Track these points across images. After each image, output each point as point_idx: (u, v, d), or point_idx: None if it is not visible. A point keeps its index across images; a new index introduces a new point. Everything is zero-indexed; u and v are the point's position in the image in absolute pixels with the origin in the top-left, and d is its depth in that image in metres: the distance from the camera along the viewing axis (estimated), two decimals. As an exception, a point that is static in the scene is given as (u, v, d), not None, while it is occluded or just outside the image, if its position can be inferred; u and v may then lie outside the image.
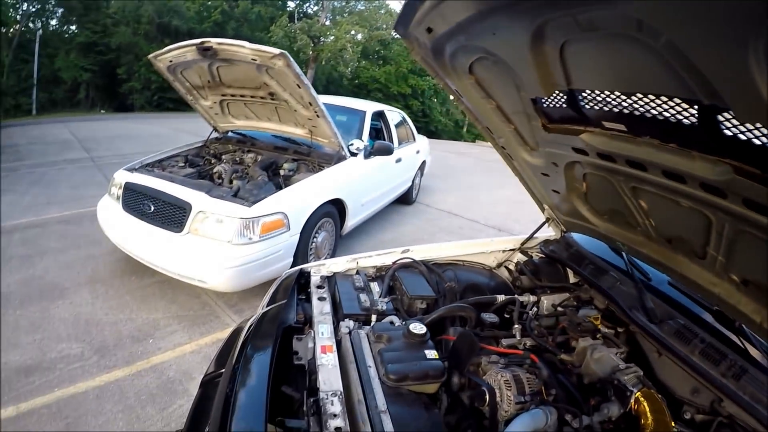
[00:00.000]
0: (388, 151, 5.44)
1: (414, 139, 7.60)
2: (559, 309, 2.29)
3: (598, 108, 1.53)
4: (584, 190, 2.17)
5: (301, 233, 4.09)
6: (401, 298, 2.16)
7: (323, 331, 1.73)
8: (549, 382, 1.69)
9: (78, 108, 20.85)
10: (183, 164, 4.79)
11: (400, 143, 6.81)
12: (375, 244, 5.73)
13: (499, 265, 2.83)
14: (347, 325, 1.82)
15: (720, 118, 1.15)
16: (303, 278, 2.22)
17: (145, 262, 3.89)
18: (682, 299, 2.10)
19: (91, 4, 20.66)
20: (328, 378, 1.47)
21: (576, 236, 2.76)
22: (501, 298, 2.28)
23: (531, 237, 2.84)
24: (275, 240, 3.79)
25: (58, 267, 4.43)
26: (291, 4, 25.89)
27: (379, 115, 6.55)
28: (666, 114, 1.31)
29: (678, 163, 1.38)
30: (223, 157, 5.04)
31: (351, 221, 5.16)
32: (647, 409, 1.55)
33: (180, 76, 4.81)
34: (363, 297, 2.04)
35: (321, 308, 1.90)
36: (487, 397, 1.58)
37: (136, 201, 3.98)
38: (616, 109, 1.47)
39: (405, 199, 7.59)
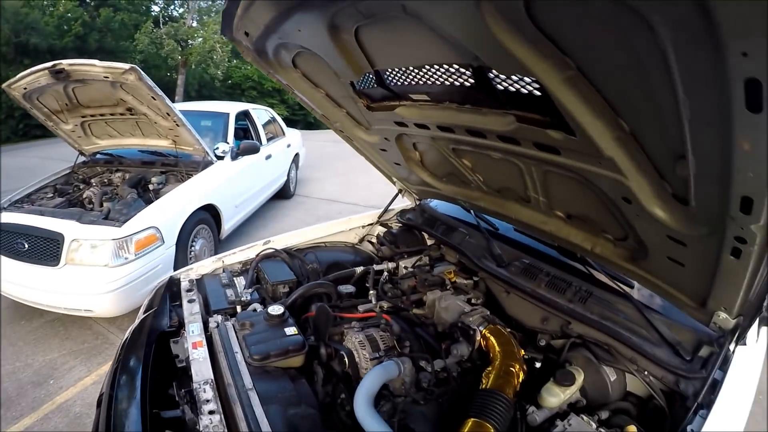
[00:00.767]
0: (254, 150, 5.35)
1: (284, 134, 7.47)
2: (410, 269, 2.43)
3: (402, 83, 1.64)
4: (418, 158, 2.30)
5: (177, 244, 4.01)
6: (265, 286, 2.20)
7: (193, 329, 1.78)
8: (403, 336, 1.80)
9: None
10: (52, 195, 4.52)
11: (269, 140, 6.69)
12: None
13: (362, 240, 2.93)
14: (215, 320, 1.86)
15: (490, 75, 1.28)
16: (175, 286, 2.20)
17: (30, 303, 3.69)
18: (529, 241, 2.30)
19: None
20: (200, 369, 1.55)
21: (435, 202, 2.94)
22: (359, 270, 2.39)
23: (386, 210, 2.97)
24: (152, 255, 3.71)
25: None
26: (155, 8, 23.43)
27: (244, 115, 6.38)
28: (451, 79, 1.43)
29: (475, 121, 1.52)
30: (92, 180, 4.80)
31: (227, 224, 5.06)
32: (495, 342, 1.70)
33: (37, 103, 4.50)
34: (229, 292, 2.09)
35: (191, 309, 1.93)
36: (346, 359, 1.70)
37: (9, 241, 3.69)
38: (416, 82, 1.58)
39: (283, 193, 7.42)
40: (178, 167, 4.77)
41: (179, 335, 1.85)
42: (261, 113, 6.99)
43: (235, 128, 5.80)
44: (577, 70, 0.99)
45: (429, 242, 2.74)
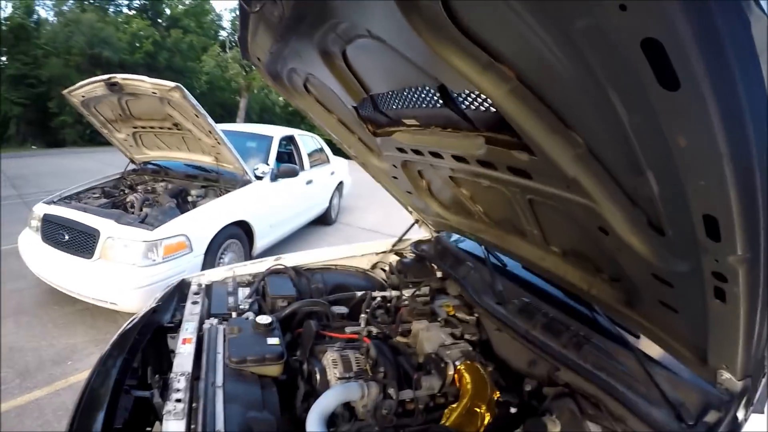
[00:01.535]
0: (293, 174, 5.49)
1: (329, 161, 7.55)
2: (405, 298, 2.34)
3: (395, 108, 1.63)
4: (426, 186, 2.25)
5: (205, 254, 4.13)
6: (267, 299, 2.22)
7: (187, 327, 1.85)
8: (380, 361, 1.71)
9: (9, 143, 19.14)
10: (99, 195, 4.84)
11: (312, 165, 6.75)
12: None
13: (374, 267, 2.87)
14: (211, 322, 1.89)
15: (453, 95, 1.24)
16: (186, 288, 2.27)
17: (63, 289, 3.90)
18: (536, 280, 2.14)
19: (22, 33, 19.38)
20: (181, 363, 1.60)
21: (457, 237, 2.83)
22: (359, 293, 2.34)
23: (400, 239, 2.91)
24: (179, 261, 3.85)
25: None
26: (223, 33, 25.41)
27: (289, 140, 6.52)
28: (425, 102, 1.40)
29: (456, 146, 1.45)
30: (138, 187, 5.09)
31: (260, 242, 5.11)
32: (468, 380, 1.57)
33: (94, 111, 4.86)
34: (231, 299, 2.13)
35: (191, 310, 2.00)
36: (318, 375, 1.67)
37: (53, 231, 4.00)
38: (406, 107, 1.55)
39: (324, 219, 7.42)
40: (218, 183, 4.98)
41: (177, 332, 1.89)
42: (307, 140, 7.09)
43: (279, 152, 5.94)
44: (518, 81, 0.92)
45: (439, 274, 2.65)
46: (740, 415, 1.19)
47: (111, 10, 21.86)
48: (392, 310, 2.28)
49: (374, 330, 2.02)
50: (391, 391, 1.56)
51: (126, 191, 5.00)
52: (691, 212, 0.83)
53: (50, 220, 4.06)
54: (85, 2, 21.19)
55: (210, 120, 4.24)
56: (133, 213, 4.31)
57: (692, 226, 0.85)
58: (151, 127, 5.00)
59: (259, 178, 5.07)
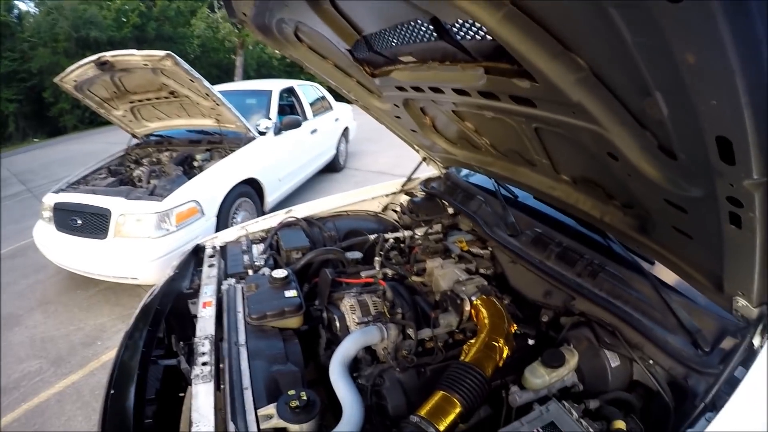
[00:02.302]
0: (296, 124, 5.42)
1: (332, 108, 7.42)
2: (419, 237, 2.32)
3: (390, 47, 1.54)
4: (430, 123, 2.18)
5: (218, 216, 4.18)
6: (281, 252, 2.23)
7: (206, 290, 1.87)
8: (397, 303, 1.73)
9: (10, 141, 19.28)
10: (105, 175, 4.85)
11: (315, 114, 6.66)
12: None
13: (385, 209, 2.86)
14: (228, 282, 1.92)
15: (447, 26, 1.15)
16: (201, 252, 2.29)
17: (83, 273, 4.01)
18: (548, 210, 2.09)
19: (5, 30, 18.86)
20: (204, 326, 1.61)
21: (467, 171, 2.78)
22: (371, 237, 2.33)
23: (410, 179, 2.86)
24: (192, 227, 3.89)
25: (10, 298, 4.51)
26: None
27: (289, 92, 6.41)
28: (420, 36, 1.31)
29: (455, 78, 1.38)
30: (143, 160, 5.10)
31: (271, 197, 5.15)
32: (484, 314, 1.57)
33: (88, 93, 4.81)
34: (246, 257, 2.14)
35: (208, 273, 2.02)
36: (337, 322, 1.69)
37: (65, 219, 4.05)
38: (401, 44, 1.47)
39: (333, 166, 7.41)
40: (222, 144, 4.95)
41: (197, 297, 1.92)
42: (307, 89, 6.96)
43: (281, 105, 5.85)
44: (511, 4, 0.83)
45: (450, 211, 2.63)
46: (756, 341, 1.17)
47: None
48: (406, 250, 2.27)
49: (389, 272, 2.03)
50: (410, 331, 1.58)
51: (132, 166, 5.03)
52: (703, 134, 0.77)
53: (61, 208, 4.12)
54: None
55: (206, 83, 4.21)
56: (141, 187, 4.33)
57: (705, 149, 0.79)
58: (148, 99, 4.96)
59: (262, 133, 5.05)
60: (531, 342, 1.58)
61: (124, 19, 21.28)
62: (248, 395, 1.33)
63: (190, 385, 1.40)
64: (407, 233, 2.38)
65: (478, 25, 1.07)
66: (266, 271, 1.97)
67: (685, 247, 1.23)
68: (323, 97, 7.40)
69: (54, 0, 20.37)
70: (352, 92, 2.21)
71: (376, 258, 2.10)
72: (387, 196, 2.86)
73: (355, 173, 7.79)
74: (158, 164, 4.88)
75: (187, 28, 21.80)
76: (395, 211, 2.82)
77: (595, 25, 0.76)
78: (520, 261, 1.87)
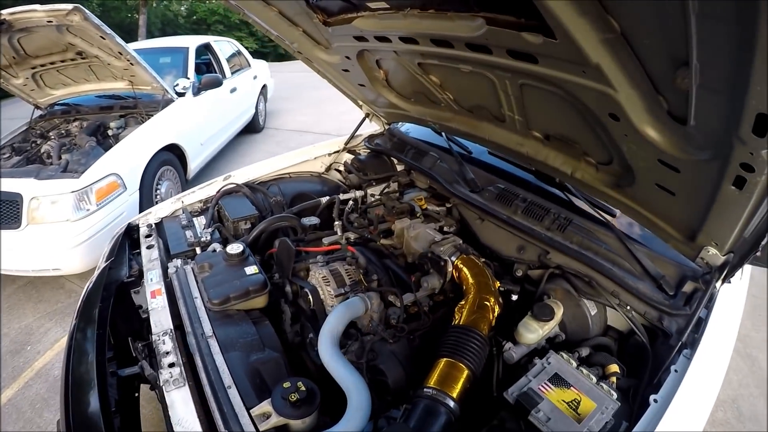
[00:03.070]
0: (217, 83, 4.99)
1: (249, 66, 6.98)
2: (378, 197, 2.26)
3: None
4: (383, 77, 2.05)
5: (140, 189, 3.80)
6: (227, 224, 2.05)
7: (152, 277, 1.65)
8: (370, 269, 1.67)
9: None
10: (9, 154, 4.19)
11: (233, 72, 6.25)
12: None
13: (329, 169, 2.73)
14: (174, 264, 1.71)
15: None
16: (135, 232, 2.04)
17: None
18: (504, 166, 2.11)
19: None
20: (159, 320, 1.44)
21: (407, 126, 2.70)
22: (324, 200, 2.22)
23: (353, 136, 2.73)
24: (114, 204, 3.50)
25: None
26: None
27: (205, 48, 5.91)
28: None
29: (440, 28, 1.27)
30: (50, 134, 4.45)
31: (194, 163, 4.78)
32: (468, 274, 1.56)
33: None
34: (188, 233, 1.92)
35: (149, 256, 1.79)
36: (310, 296, 1.58)
37: None
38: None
39: (252, 127, 7.03)
40: (137, 109, 4.51)
41: (140, 285, 1.71)
42: (224, 45, 6.50)
43: (197, 63, 5.39)
44: None
45: (399, 168, 2.55)
46: (717, 285, 1.31)
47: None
48: (364, 211, 2.18)
49: (352, 236, 1.94)
50: (393, 297, 1.53)
51: (38, 142, 4.36)
52: (744, 109, 0.79)
53: None
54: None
55: (119, 39, 3.72)
56: (52, 164, 3.79)
57: (737, 120, 0.82)
58: (52, 63, 4.36)
59: (180, 94, 4.60)
60: (515, 297, 1.60)
61: (12, -19, 17.55)
62: (234, 394, 1.20)
63: (156, 387, 1.26)
64: (360, 194, 2.29)
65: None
66: (216, 247, 1.79)
67: (662, 202, 1.30)
68: (239, 53, 6.86)
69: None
70: (295, 43, 2.01)
71: (337, 222, 1.99)
72: (330, 155, 2.72)
73: (276, 133, 7.39)
74: (68, 136, 4.26)
75: None
76: (339, 171, 2.69)
77: None
78: (488, 218, 1.87)
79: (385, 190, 2.26)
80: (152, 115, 4.27)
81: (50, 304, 3.59)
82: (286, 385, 1.16)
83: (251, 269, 1.59)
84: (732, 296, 1.43)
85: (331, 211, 2.19)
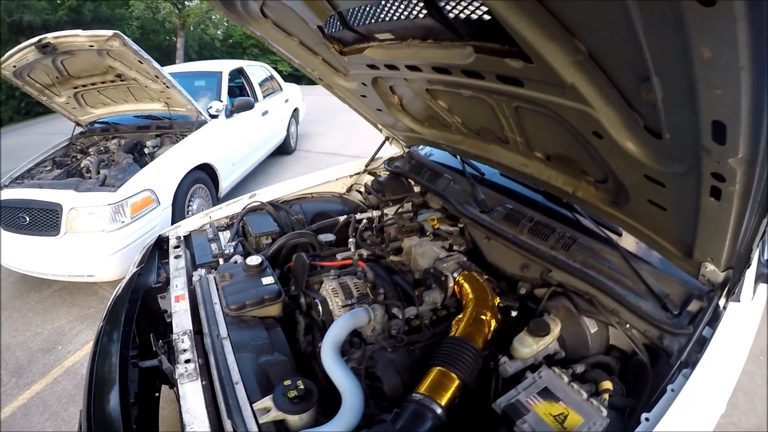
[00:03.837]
0: (248, 106, 5.27)
1: (281, 89, 7.28)
2: (391, 217, 2.35)
3: (367, 23, 1.50)
4: (398, 102, 2.17)
5: (173, 205, 4.04)
6: (250, 239, 2.18)
7: (177, 283, 1.79)
8: (378, 284, 1.75)
9: None
10: (51, 167, 4.54)
11: (265, 95, 6.53)
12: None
13: (349, 190, 2.86)
14: (199, 273, 1.85)
15: (441, 3, 1.13)
16: (164, 243, 2.21)
17: (35, 274, 3.79)
18: (516, 187, 2.17)
19: None
20: (180, 321, 1.57)
21: (428, 150, 2.80)
22: (341, 219, 2.33)
23: (373, 158, 2.86)
24: (148, 217, 3.75)
25: None
26: None
27: (238, 72, 6.25)
28: (406, 13, 1.28)
29: (438, 57, 1.37)
30: (90, 150, 4.78)
31: (225, 182, 5.05)
32: (468, 289, 1.62)
33: (28, 79, 4.45)
34: (213, 246, 2.07)
35: (176, 265, 1.94)
36: (320, 307, 1.68)
37: (11, 216, 3.74)
38: (379, 20, 1.43)
39: (284, 149, 7.28)
40: (172, 129, 4.77)
41: (166, 290, 1.86)
42: (256, 70, 6.82)
43: (230, 86, 5.67)
44: None
45: (416, 189, 2.65)
46: (721, 303, 1.31)
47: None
48: (379, 230, 2.29)
49: (365, 253, 2.04)
50: (396, 310, 1.61)
51: (78, 157, 4.70)
52: (699, 118, 0.83)
53: (6, 205, 3.77)
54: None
55: (155, 64, 3.98)
56: (90, 178, 4.10)
57: (698, 130, 0.86)
58: (93, 84, 4.67)
59: (213, 116, 4.88)
60: (514, 314, 1.64)
61: (59, 1, 19.44)
62: (240, 389, 1.31)
63: (174, 386, 1.35)
64: (376, 213, 2.40)
65: (466, 3, 1.06)
66: (238, 258, 1.93)
67: (657, 218, 1.33)
68: (272, 77, 7.20)
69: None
70: (316, 71, 2.17)
71: (351, 239, 2.11)
72: (351, 176, 2.86)
73: (307, 155, 7.66)
74: (106, 153, 4.59)
75: (126, 9, 20.26)
76: (360, 192, 2.82)
77: (607, 13, 0.79)
78: (494, 237, 1.93)
79: (399, 210, 2.35)
80: (186, 136, 4.52)
81: (83, 309, 3.81)
82: (287, 383, 1.26)
83: (268, 279, 1.71)
84: (743, 316, 1.40)
85: (347, 229, 2.30)
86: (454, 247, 2.05)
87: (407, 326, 1.63)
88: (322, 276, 1.84)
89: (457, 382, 1.29)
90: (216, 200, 4.83)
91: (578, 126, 1.23)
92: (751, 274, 1.44)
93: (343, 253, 2.03)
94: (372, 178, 2.79)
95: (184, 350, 1.43)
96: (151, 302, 1.87)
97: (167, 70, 5.52)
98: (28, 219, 3.62)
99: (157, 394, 1.69)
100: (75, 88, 4.72)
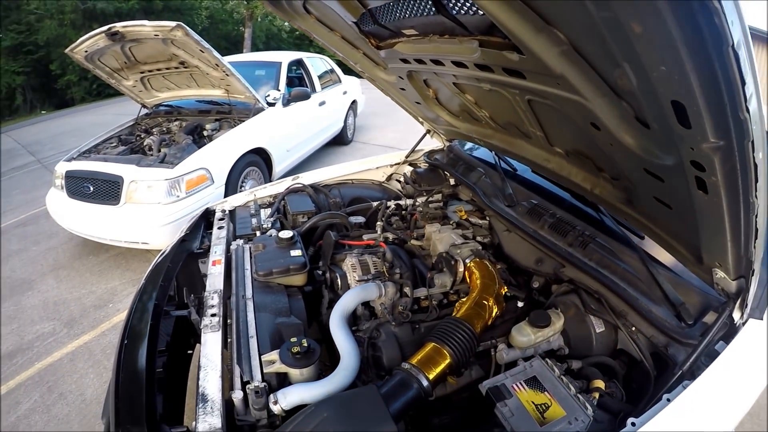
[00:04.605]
0: (305, 96, 5.52)
1: (340, 81, 7.51)
2: (418, 205, 2.45)
3: (395, 19, 1.59)
4: (433, 95, 2.24)
5: (226, 184, 4.33)
6: (288, 217, 2.37)
7: (216, 250, 2.01)
8: (396, 264, 1.85)
9: (18, 114, 19.39)
10: (116, 144, 5.00)
11: (323, 87, 6.78)
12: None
13: (389, 178, 2.99)
14: (237, 243, 2.06)
15: (444, 0, 1.21)
16: (211, 216, 2.43)
17: (95, 239, 4.18)
18: (544, 183, 2.19)
19: (11, 3, 18.62)
20: (213, 282, 1.76)
21: (471, 145, 2.86)
22: (375, 204, 2.47)
23: (413, 150, 2.96)
24: (202, 194, 4.06)
25: (23, 264, 4.65)
26: None
27: (298, 64, 6.54)
28: (419, 11, 1.37)
29: (455, 51, 1.45)
30: (153, 130, 5.24)
31: (278, 167, 5.31)
32: (477, 275, 1.69)
33: (99, 63, 4.93)
34: (254, 220, 2.29)
35: (218, 234, 2.16)
36: (339, 280, 1.82)
37: (77, 186, 4.19)
38: (404, 17, 1.52)
39: (340, 139, 7.51)
40: (231, 114, 5.09)
41: (207, 256, 2.06)
42: (316, 62, 7.06)
43: (289, 77, 5.91)
44: None
45: (452, 181, 2.72)
46: (736, 316, 1.25)
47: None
48: (407, 217, 2.39)
49: (390, 236, 2.16)
50: (407, 289, 1.71)
51: (142, 136, 5.16)
52: (660, 100, 0.84)
53: (73, 175, 4.25)
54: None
55: (215, 53, 4.30)
56: (152, 155, 4.49)
57: (666, 115, 0.87)
58: (158, 70, 5.09)
59: (271, 104, 5.13)
60: (520, 304, 1.69)
61: (131, -10, 21.03)
62: (253, 343, 1.47)
63: (199, 335, 1.52)
64: (408, 201, 2.50)
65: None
66: (273, 232, 2.10)
67: (666, 218, 1.32)
68: (332, 70, 7.46)
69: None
70: (358, 64, 2.29)
71: (378, 223, 2.22)
72: (391, 166, 2.99)
73: (363, 147, 7.85)
74: (168, 133, 5.00)
75: (195, 0, 21.62)
76: (399, 181, 2.94)
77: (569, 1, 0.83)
78: (514, 229, 1.97)
79: (428, 199, 2.43)
80: (244, 121, 4.80)
81: (136, 273, 4.17)
82: (293, 340, 1.39)
83: (296, 252, 1.87)
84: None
85: (378, 213, 2.42)
86: (477, 238, 2.10)
87: (417, 306, 1.73)
88: (346, 254, 1.97)
89: (448, 360, 1.36)
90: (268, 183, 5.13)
91: (578, 118, 1.27)
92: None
93: (369, 235, 2.16)
94: (411, 168, 2.89)
95: (212, 306, 1.61)
96: (192, 265, 2.09)
97: (233, 59, 5.88)
98: (92, 188, 4.06)
99: (189, 351, 1.88)
100: (141, 72, 5.16)
